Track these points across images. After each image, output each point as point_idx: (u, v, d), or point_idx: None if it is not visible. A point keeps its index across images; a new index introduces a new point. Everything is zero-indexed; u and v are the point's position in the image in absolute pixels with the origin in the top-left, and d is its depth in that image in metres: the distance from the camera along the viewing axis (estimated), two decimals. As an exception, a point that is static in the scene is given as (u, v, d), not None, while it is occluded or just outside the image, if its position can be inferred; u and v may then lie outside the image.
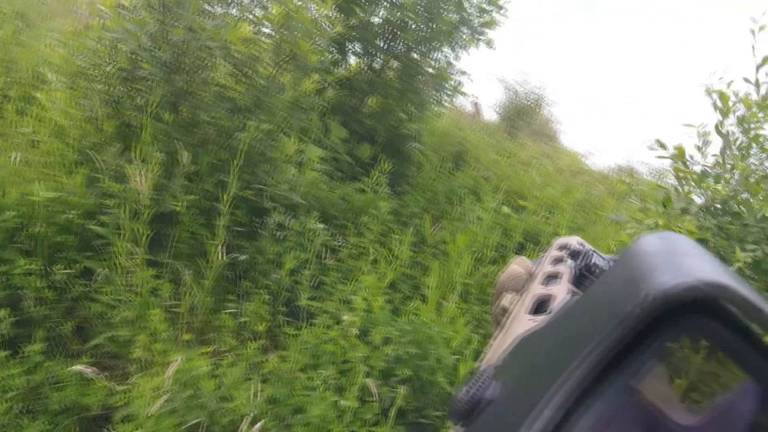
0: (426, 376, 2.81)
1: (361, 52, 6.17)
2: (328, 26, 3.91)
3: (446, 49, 6.11)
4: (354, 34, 5.73)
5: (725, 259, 2.41)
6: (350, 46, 6.15)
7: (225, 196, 2.97)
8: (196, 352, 2.48)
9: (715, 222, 2.47)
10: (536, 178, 6.91)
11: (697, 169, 2.69)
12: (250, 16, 3.76)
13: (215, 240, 2.94)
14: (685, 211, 2.57)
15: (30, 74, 4.80)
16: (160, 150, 3.24)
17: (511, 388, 0.36)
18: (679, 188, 2.70)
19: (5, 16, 6.06)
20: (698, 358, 0.31)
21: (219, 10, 3.67)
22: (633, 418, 0.31)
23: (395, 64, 6.22)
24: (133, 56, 3.38)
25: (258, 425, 1.98)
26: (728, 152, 2.71)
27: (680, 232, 2.46)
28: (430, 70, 6.13)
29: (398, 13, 5.58)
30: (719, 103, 2.69)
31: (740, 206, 2.47)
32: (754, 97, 2.68)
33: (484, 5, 5.88)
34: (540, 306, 0.55)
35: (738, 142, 2.72)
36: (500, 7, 5.96)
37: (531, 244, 5.12)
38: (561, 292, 0.54)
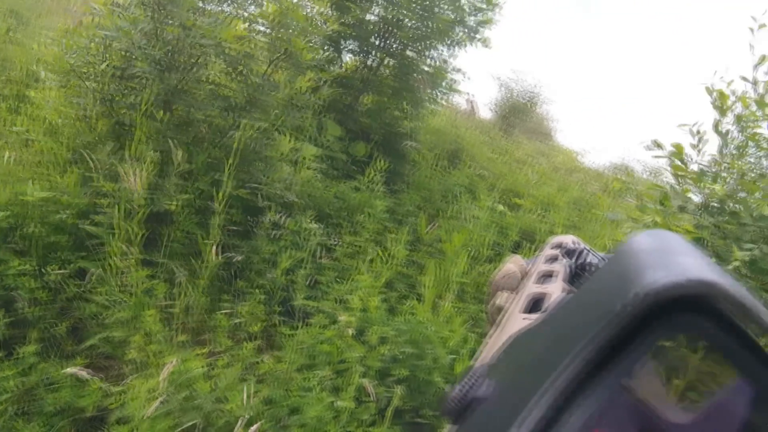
0: (422, 375, 2.80)
1: (357, 49, 6.16)
2: (323, 24, 3.89)
3: (442, 47, 6.10)
4: (349, 31, 5.72)
5: (722, 258, 2.41)
6: (345, 44, 6.14)
7: (219, 195, 2.95)
8: (192, 353, 2.46)
9: (712, 221, 2.47)
10: (532, 176, 6.91)
11: (694, 167, 2.69)
12: (245, 14, 3.74)
13: (210, 239, 2.92)
14: (682, 209, 2.57)
15: (23, 72, 4.77)
16: (154, 149, 3.22)
17: (503, 386, 0.36)
18: (677, 186, 2.69)
19: (-3, 14, 6.02)
20: (690, 356, 0.31)
21: (213, 7, 3.64)
22: (625, 416, 0.31)
23: (390, 61, 6.21)
24: (127, 54, 3.36)
25: (254, 427, 1.97)
26: (726, 151, 2.71)
27: (677, 230, 2.46)
28: (426, 68, 6.12)
29: (393, 11, 5.57)
30: (718, 102, 2.69)
31: (737, 205, 2.47)
32: (752, 95, 2.68)
33: (479, 4, 5.86)
34: (535, 305, 0.54)
35: (735, 141, 2.72)
36: (496, 5, 5.94)
37: (527, 242, 5.12)
38: (556, 291, 0.54)
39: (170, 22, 3.26)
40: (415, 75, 5.89)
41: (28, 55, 4.87)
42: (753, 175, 2.63)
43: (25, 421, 2.20)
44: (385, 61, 6.18)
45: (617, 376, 0.29)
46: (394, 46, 6.03)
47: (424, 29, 5.76)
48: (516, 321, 0.51)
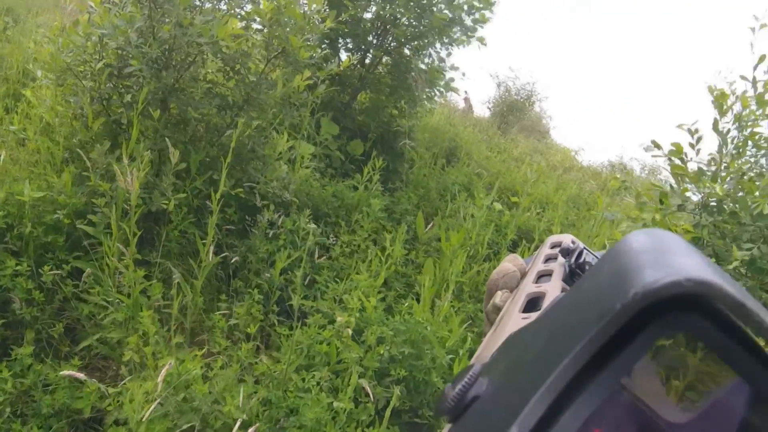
0: (421, 376, 2.79)
1: (353, 47, 6.14)
2: (320, 22, 3.87)
3: (438, 46, 6.08)
4: (345, 29, 5.70)
5: (721, 258, 2.41)
6: (341, 42, 6.12)
7: (216, 194, 2.94)
8: (188, 354, 2.45)
9: (711, 220, 2.46)
10: (529, 174, 6.91)
11: (692, 166, 2.68)
12: (240, 11, 3.72)
13: (206, 239, 2.91)
14: (681, 208, 2.56)
15: (18, 71, 4.75)
16: (150, 147, 3.20)
17: (498, 385, 0.36)
18: (675, 186, 2.69)
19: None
20: (689, 355, 0.31)
21: (208, 5, 3.62)
22: (623, 415, 0.31)
23: (387, 59, 6.20)
24: (122, 52, 3.34)
25: (252, 429, 1.95)
26: (725, 150, 2.70)
27: (676, 230, 2.45)
28: (422, 66, 6.11)
29: (389, 8, 5.55)
30: (719, 101, 2.68)
31: (736, 204, 2.47)
32: (752, 94, 2.68)
33: (476, 2, 5.85)
34: (532, 304, 0.55)
35: (734, 140, 2.72)
36: (491, 3, 5.93)
37: (524, 241, 5.11)
38: (553, 290, 0.55)
39: (166, 20, 3.24)
40: (411, 74, 5.87)
41: (23, 54, 4.85)
42: (752, 174, 2.63)
43: (21, 423, 2.18)
44: (381, 59, 6.17)
45: (616, 375, 0.29)
46: (391, 44, 6.02)
47: (420, 27, 5.75)
48: (514, 320, 0.51)
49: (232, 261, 3.24)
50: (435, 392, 2.82)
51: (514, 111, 13.85)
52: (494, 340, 0.50)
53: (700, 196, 2.62)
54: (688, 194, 2.66)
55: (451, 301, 3.50)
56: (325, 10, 3.91)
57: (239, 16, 3.70)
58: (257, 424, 2.13)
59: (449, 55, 6.20)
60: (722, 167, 2.69)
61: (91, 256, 2.83)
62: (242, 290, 3.23)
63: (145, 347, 2.35)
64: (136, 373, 2.36)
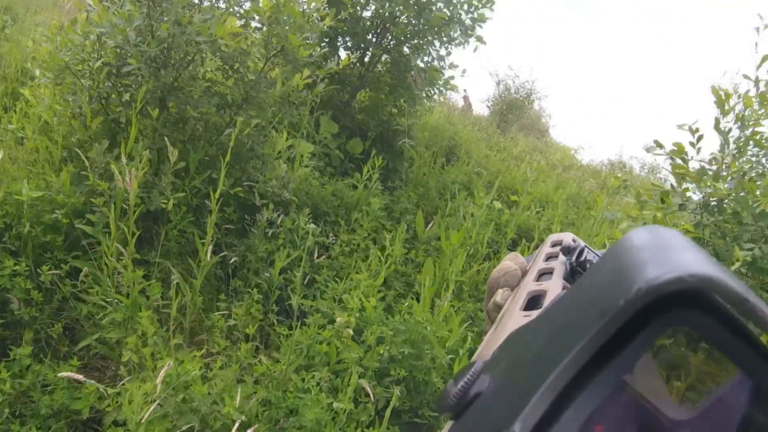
0: (421, 376, 2.78)
1: (352, 46, 6.13)
2: (319, 20, 3.86)
3: (437, 44, 6.07)
4: (344, 27, 5.69)
5: (722, 258, 2.40)
6: (341, 40, 6.11)
7: (215, 194, 2.93)
8: (187, 354, 2.44)
9: (713, 220, 2.46)
10: (528, 173, 6.90)
11: (693, 165, 2.68)
12: (239, 10, 3.71)
13: (205, 238, 2.90)
14: (682, 207, 2.56)
15: (16, 70, 4.74)
16: (148, 147, 3.20)
17: (500, 382, 0.36)
18: (676, 185, 2.68)
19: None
20: (691, 352, 0.31)
21: (206, 3, 3.61)
22: (626, 412, 0.31)
23: (386, 58, 6.18)
24: (120, 51, 3.33)
25: (251, 430, 1.94)
26: (727, 150, 2.70)
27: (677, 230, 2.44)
28: (421, 65, 6.10)
29: (388, 6, 5.54)
30: (722, 99, 2.67)
31: (737, 204, 2.46)
32: (753, 93, 2.67)
33: (474, 1, 5.83)
34: (533, 302, 0.55)
35: (736, 141, 2.71)
36: (491, 1, 5.91)
37: (524, 240, 5.10)
38: (554, 289, 0.55)
39: (164, 18, 3.23)
40: (411, 73, 5.86)
41: (21, 53, 4.83)
42: (753, 174, 2.62)
43: (20, 423, 2.18)
44: (381, 58, 6.16)
45: (618, 372, 0.29)
46: (391, 42, 6.01)
47: (419, 26, 5.73)
48: (515, 318, 0.52)
49: (231, 261, 3.23)
50: (435, 392, 2.81)
51: (514, 109, 13.86)
52: (495, 338, 0.50)
53: (701, 196, 2.62)
54: (688, 194, 2.65)
55: (451, 301, 3.49)
56: (324, 9, 3.90)
57: (238, 15, 3.69)
58: (256, 425, 2.12)
59: (449, 54, 6.18)
60: (723, 166, 2.68)
61: (89, 255, 2.82)
62: (241, 290, 3.22)
63: (144, 348, 2.34)
64: (135, 374, 2.36)
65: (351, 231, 4.21)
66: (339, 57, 6.01)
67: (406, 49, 6.02)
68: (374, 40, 6.01)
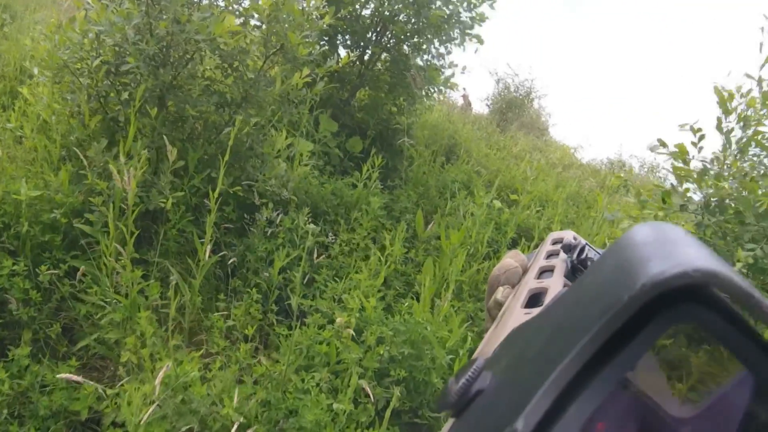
0: (421, 376, 2.78)
1: (351, 44, 6.12)
2: (319, 18, 3.85)
3: (436, 43, 6.05)
4: (344, 25, 5.67)
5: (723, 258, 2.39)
6: (340, 39, 6.09)
7: (214, 193, 2.92)
8: (186, 355, 2.43)
9: (714, 220, 2.45)
10: (528, 172, 6.90)
11: (694, 164, 2.67)
12: (238, 8, 3.69)
13: (204, 237, 2.89)
14: (683, 208, 2.55)
15: (15, 68, 4.72)
16: (147, 145, 3.19)
17: (501, 379, 0.36)
18: (678, 186, 2.67)
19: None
20: (694, 347, 0.31)
21: (205, 1, 3.60)
22: (628, 410, 0.31)
23: (385, 56, 6.17)
24: (119, 49, 3.31)
25: (250, 431, 1.94)
26: (729, 151, 2.69)
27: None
28: (420, 63, 6.08)
29: (387, 4, 5.52)
30: (724, 99, 2.67)
31: (739, 203, 2.45)
32: (756, 94, 2.66)
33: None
34: (534, 300, 0.55)
35: (738, 141, 2.70)
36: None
37: (524, 239, 5.10)
38: (555, 286, 0.55)
39: (163, 16, 3.21)
40: (411, 72, 5.84)
41: (20, 51, 4.82)
42: (755, 174, 2.61)
43: (18, 424, 2.17)
44: (380, 56, 6.14)
45: (621, 369, 0.29)
46: (390, 41, 5.99)
47: (418, 24, 5.72)
48: (516, 316, 0.52)
49: (230, 262, 3.22)
50: (435, 393, 2.80)
51: (513, 108, 13.85)
52: (496, 335, 0.50)
53: (701, 196, 2.61)
54: (689, 194, 2.64)
55: (451, 301, 3.48)
56: (323, 7, 3.89)
57: (237, 13, 3.68)
58: (256, 426, 2.11)
59: (449, 53, 6.17)
60: (725, 166, 2.67)
61: (88, 255, 2.81)
62: (241, 289, 3.21)
63: (143, 349, 2.34)
64: (134, 375, 2.35)
65: (351, 230, 4.21)
66: (338, 55, 5.99)
67: (405, 48, 6.01)
68: (374, 38, 5.99)
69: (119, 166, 2.72)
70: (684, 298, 0.29)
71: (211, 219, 2.91)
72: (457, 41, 6.03)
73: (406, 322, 2.92)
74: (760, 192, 2.37)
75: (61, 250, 2.85)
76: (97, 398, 2.22)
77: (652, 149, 2.64)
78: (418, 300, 3.50)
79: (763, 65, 2.63)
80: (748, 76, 2.67)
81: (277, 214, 3.57)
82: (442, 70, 6.20)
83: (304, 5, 3.74)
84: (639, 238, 0.33)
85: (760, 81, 2.65)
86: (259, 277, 3.27)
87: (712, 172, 2.63)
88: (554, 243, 0.67)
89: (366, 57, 6.15)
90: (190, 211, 3.36)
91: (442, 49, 6.11)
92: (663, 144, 2.63)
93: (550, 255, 0.65)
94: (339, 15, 5.01)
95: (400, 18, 5.69)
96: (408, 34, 5.83)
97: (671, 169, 2.63)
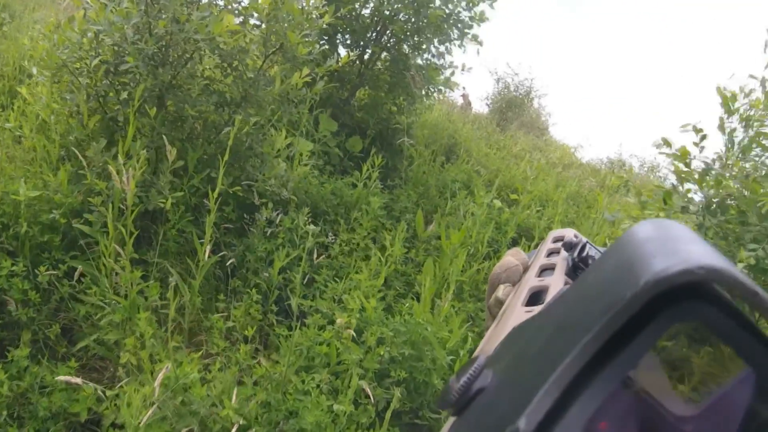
0: (421, 377, 2.77)
1: (351, 43, 6.10)
2: (317, 17, 3.84)
3: (436, 42, 6.04)
4: (343, 25, 5.66)
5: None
6: (340, 38, 6.08)
7: (213, 193, 2.91)
8: (186, 356, 2.42)
9: (715, 221, 2.44)
10: (528, 171, 6.89)
11: (696, 164, 2.66)
12: (237, 7, 3.68)
13: (204, 238, 2.88)
14: (684, 209, 2.54)
15: (14, 68, 4.71)
16: (146, 145, 3.18)
17: (502, 377, 0.36)
18: (679, 187, 2.67)
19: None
20: (697, 345, 0.31)
21: (205, 0, 3.59)
22: (631, 409, 0.31)
23: (385, 55, 6.16)
24: (117, 49, 3.30)
25: (250, 432, 1.93)
26: (731, 150, 2.68)
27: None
28: (420, 62, 6.07)
29: (386, 3, 5.51)
30: (727, 100, 2.66)
31: (742, 202, 2.45)
32: (759, 94, 2.66)
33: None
34: (535, 298, 0.55)
35: (740, 140, 2.70)
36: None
37: (524, 239, 5.09)
38: (556, 284, 0.55)
39: (162, 16, 3.20)
40: (411, 72, 5.83)
41: (19, 50, 4.81)
42: (757, 175, 2.61)
43: (18, 425, 2.16)
44: (380, 55, 6.13)
45: (623, 368, 0.29)
46: (390, 40, 5.98)
47: (418, 23, 5.70)
48: (517, 314, 0.52)
49: (229, 263, 3.20)
50: (435, 393, 2.80)
51: (513, 107, 13.85)
52: (497, 334, 0.50)
53: (702, 197, 2.61)
54: (690, 195, 2.64)
55: (452, 301, 3.47)
56: (323, 6, 3.88)
57: (236, 12, 3.67)
58: (256, 428, 2.11)
59: (449, 51, 6.15)
60: (728, 166, 2.67)
61: (87, 255, 2.80)
62: (240, 290, 3.20)
63: (142, 350, 2.33)
64: (134, 376, 2.34)
65: (351, 230, 4.20)
66: (338, 55, 5.98)
67: (405, 47, 6.00)
68: (373, 37, 5.98)
69: (118, 166, 2.72)
70: (686, 295, 0.29)
71: (210, 219, 2.90)
72: (456, 40, 6.02)
73: (406, 322, 2.91)
74: (761, 191, 2.37)
75: (60, 250, 2.84)
76: (97, 399, 2.21)
77: (657, 146, 2.64)
78: (418, 300, 3.49)
79: (767, 65, 2.62)
80: (752, 76, 2.67)
81: (277, 214, 3.56)
82: (442, 70, 6.19)
83: (304, 4, 3.74)
84: (641, 235, 0.33)
85: (763, 81, 2.65)
86: (259, 278, 3.26)
87: (713, 172, 2.62)
88: (555, 241, 0.67)
89: (366, 56, 6.14)
90: (190, 211, 3.35)
91: (442, 48, 6.10)
92: (667, 143, 2.62)
93: (551, 253, 0.65)
94: (338, 14, 5.00)
95: (400, 17, 5.68)
96: (408, 33, 5.82)
97: (672, 169, 2.62)
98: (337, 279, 3.49)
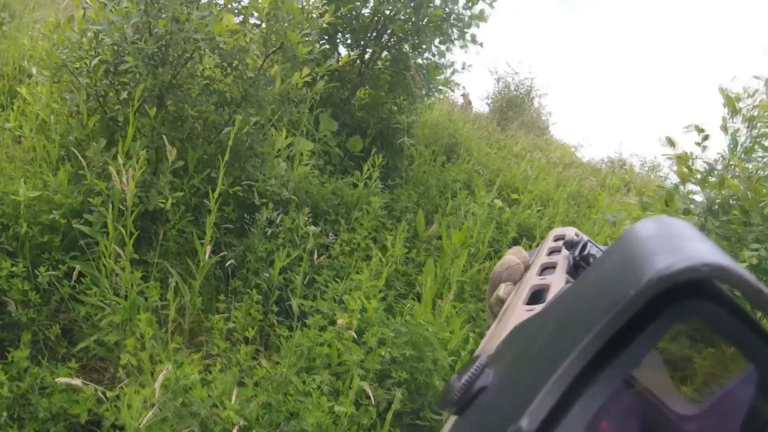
0: (422, 378, 2.76)
1: (351, 43, 6.10)
2: (318, 16, 3.83)
3: (436, 41, 6.03)
4: (344, 24, 5.66)
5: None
6: (340, 37, 6.07)
7: (213, 193, 2.90)
8: (186, 357, 2.42)
9: (717, 223, 2.44)
10: (529, 171, 6.88)
11: (698, 163, 2.66)
12: (237, 6, 3.67)
13: (204, 238, 2.87)
14: (687, 211, 2.54)
15: (13, 67, 4.71)
16: (146, 145, 3.17)
17: (504, 376, 0.36)
18: (681, 188, 2.66)
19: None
20: (699, 344, 0.30)
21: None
22: (633, 408, 0.31)
23: (385, 55, 6.15)
24: (117, 49, 3.30)
25: (251, 434, 1.93)
26: (734, 151, 2.68)
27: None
28: (420, 62, 6.06)
29: (386, 2, 5.50)
30: (731, 101, 2.65)
31: (745, 202, 2.44)
32: (763, 95, 2.65)
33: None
34: (536, 296, 0.56)
35: (743, 141, 2.69)
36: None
37: (525, 239, 5.08)
38: (557, 283, 0.55)
39: (162, 15, 3.20)
40: (411, 71, 5.82)
41: (19, 50, 4.80)
42: (760, 175, 2.60)
43: (18, 426, 2.16)
44: (380, 55, 6.12)
45: (626, 366, 0.29)
46: (390, 39, 5.97)
47: (418, 23, 5.69)
48: (518, 312, 0.52)
49: (229, 263, 3.19)
50: (436, 394, 2.79)
51: (514, 107, 13.84)
52: (498, 332, 0.50)
53: (704, 199, 2.60)
54: (692, 196, 2.64)
55: (453, 301, 3.47)
56: (323, 5, 3.87)
57: (236, 11, 3.66)
58: (256, 429, 2.10)
59: (449, 50, 6.14)
60: (731, 166, 2.66)
61: (87, 256, 2.79)
62: (241, 290, 3.19)
63: (142, 351, 2.32)
64: (134, 377, 2.33)
65: (351, 230, 4.19)
66: (338, 54, 5.97)
67: (405, 47, 5.99)
68: (374, 37, 5.97)
69: (118, 166, 2.71)
70: (689, 293, 0.28)
71: (210, 219, 2.89)
72: (456, 40, 6.01)
73: (407, 323, 2.91)
74: (764, 191, 2.36)
75: (60, 251, 2.83)
76: (97, 401, 2.21)
77: (661, 145, 2.63)
78: (419, 301, 3.48)
79: (772, 68, 2.62)
80: (757, 77, 2.66)
81: (278, 214, 3.56)
82: (443, 69, 6.18)
83: (304, 4, 3.73)
84: (644, 232, 0.33)
85: (767, 82, 2.64)
86: (260, 278, 3.26)
87: (716, 172, 2.61)
88: (556, 240, 0.67)
89: (366, 56, 6.13)
90: (190, 211, 3.35)
91: (442, 48, 6.09)
92: (671, 143, 2.62)
93: (552, 251, 0.65)
94: (339, 13, 4.99)
95: (400, 16, 5.67)
96: (408, 32, 5.81)
97: (675, 169, 2.62)
98: (337, 279, 3.49)
